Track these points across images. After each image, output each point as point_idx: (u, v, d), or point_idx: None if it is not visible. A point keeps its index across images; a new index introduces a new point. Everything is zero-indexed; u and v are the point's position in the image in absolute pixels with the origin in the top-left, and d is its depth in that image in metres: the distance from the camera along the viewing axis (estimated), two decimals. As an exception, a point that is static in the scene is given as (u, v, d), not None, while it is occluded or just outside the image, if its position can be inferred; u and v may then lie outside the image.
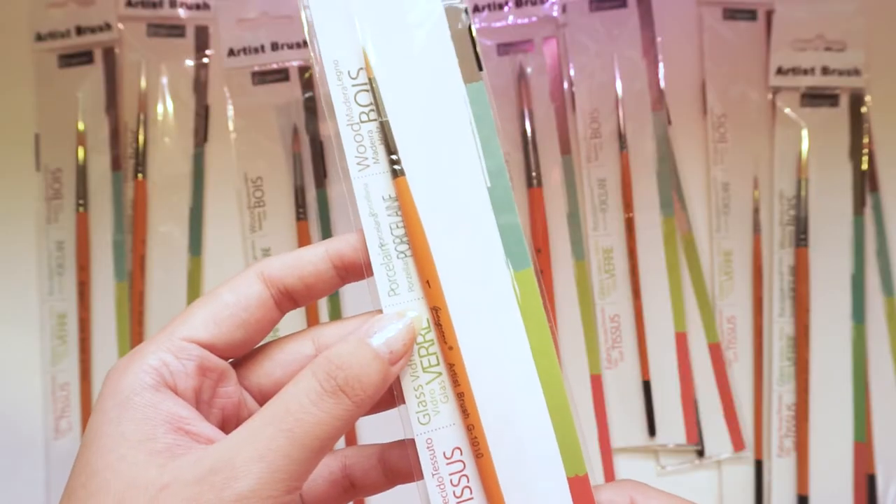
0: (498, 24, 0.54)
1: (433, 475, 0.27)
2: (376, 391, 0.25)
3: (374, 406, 0.27)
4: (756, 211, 0.54)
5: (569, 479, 0.28)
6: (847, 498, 0.52)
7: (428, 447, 0.28)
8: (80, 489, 0.24)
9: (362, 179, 0.28)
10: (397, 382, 0.27)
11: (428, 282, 0.28)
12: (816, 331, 0.53)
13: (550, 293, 0.52)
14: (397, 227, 0.28)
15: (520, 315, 0.28)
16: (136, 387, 0.24)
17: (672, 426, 0.52)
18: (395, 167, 0.28)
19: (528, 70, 0.54)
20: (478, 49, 0.29)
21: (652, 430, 0.52)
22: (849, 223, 0.54)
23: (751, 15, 0.55)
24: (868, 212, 0.54)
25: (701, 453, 0.53)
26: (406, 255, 0.28)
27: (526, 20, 0.54)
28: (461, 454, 0.28)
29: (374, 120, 0.28)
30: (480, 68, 0.29)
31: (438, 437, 0.28)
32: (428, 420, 0.28)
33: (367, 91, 0.28)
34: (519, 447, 0.28)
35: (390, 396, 0.28)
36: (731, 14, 0.55)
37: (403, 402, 0.27)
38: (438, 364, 0.28)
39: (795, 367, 0.53)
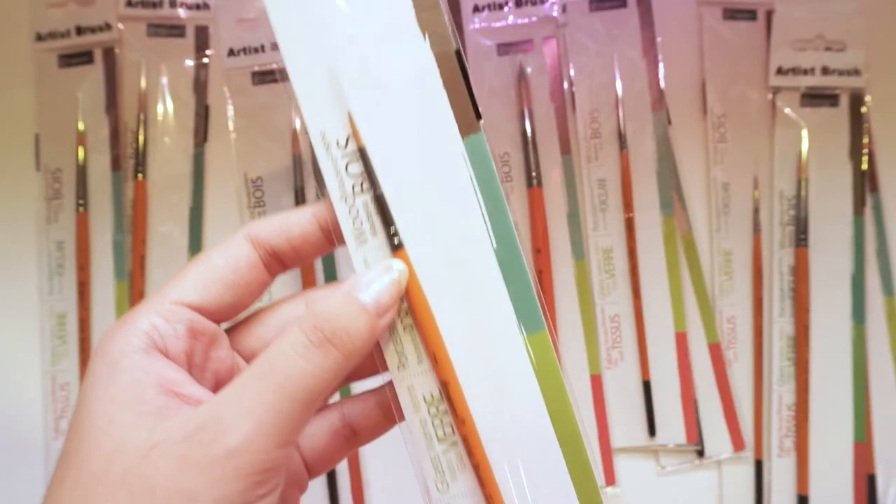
0: (498, 24, 0.54)
1: None
2: (364, 343, 0.25)
3: (375, 430, 0.29)
4: (756, 211, 0.54)
5: None
6: (847, 498, 0.52)
7: None
8: (72, 452, 0.24)
9: (361, 254, 0.27)
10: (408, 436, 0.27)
11: (435, 356, 0.26)
12: (816, 331, 0.53)
13: (550, 293, 0.52)
14: (401, 300, 0.27)
15: (535, 380, 0.27)
16: (126, 350, 0.24)
17: (672, 426, 0.52)
18: (394, 240, 0.27)
19: (528, 70, 0.54)
20: (475, 96, 0.27)
21: (652, 430, 0.52)
22: (849, 223, 0.54)
23: (751, 15, 0.55)
24: (868, 212, 0.54)
25: (701, 453, 0.53)
26: (413, 328, 0.27)
27: (526, 20, 0.54)
28: None
29: (368, 191, 0.27)
30: (479, 117, 0.27)
31: None
32: (446, 488, 0.27)
33: (357, 161, 0.27)
34: None
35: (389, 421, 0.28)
36: (731, 14, 0.55)
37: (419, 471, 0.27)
38: (454, 433, 0.27)
39: (795, 367, 0.53)
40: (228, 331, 0.28)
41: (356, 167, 0.27)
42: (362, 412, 0.29)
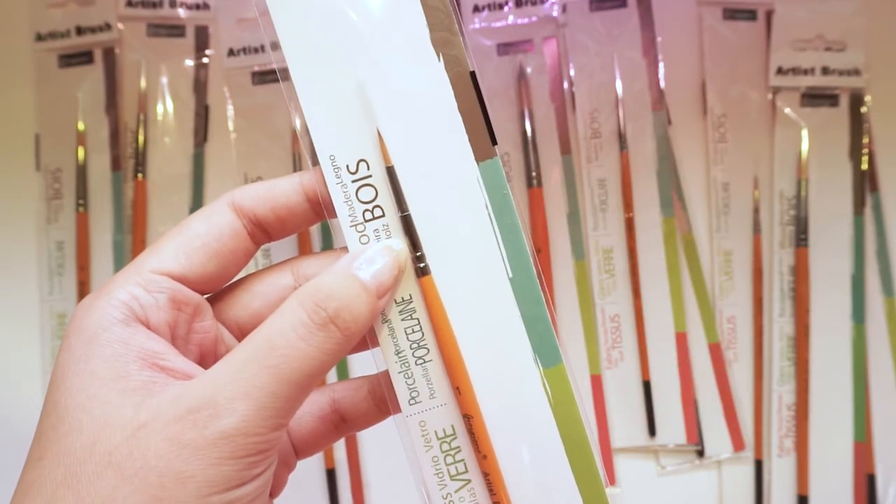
0: (498, 24, 0.54)
1: None
2: (365, 324, 0.24)
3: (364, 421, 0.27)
4: (756, 211, 0.54)
5: None
6: (847, 498, 0.52)
7: None
8: (49, 431, 0.23)
9: None
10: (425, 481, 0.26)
11: (458, 388, 0.25)
12: (816, 331, 0.52)
13: (550, 293, 0.52)
14: (413, 331, 0.25)
15: (552, 416, 0.26)
16: (104, 322, 0.23)
17: (672, 426, 0.52)
18: (420, 265, 0.25)
19: (528, 70, 0.54)
20: (489, 119, 0.25)
21: (652, 430, 0.52)
22: (849, 223, 0.54)
23: (751, 15, 0.55)
24: (868, 212, 0.54)
25: (701, 453, 0.53)
26: (425, 361, 0.26)
27: (526, 20, 0.54)
28: None
29: (379, 218, 0.25)
30: (494, 142, 0.25)
31: None
32: None
33: (368, 186, 0.25)
34: None
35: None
36: (731, 14, 0.55)
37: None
38: (467, 472, 0.26)
39: (795, 367, 0.53)
40: (211, 300, 0.27)
41: (367, 193, 0.25)
42: (353, 400, 0.28)
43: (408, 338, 0.26)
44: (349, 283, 0.24)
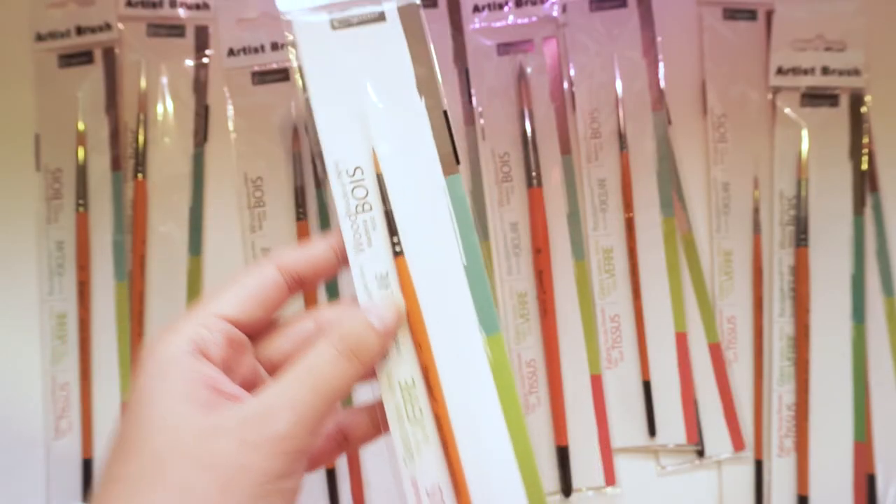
0: (498, 24, 0.54)
1: None
2: (378, 356, 0.32)
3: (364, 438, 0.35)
4: (756, 211, 0.54)
5: None
6: (847, 498, 0.52)
7: (412, 485, 0.33)
8: (131, 435, 0.28)
9: (359, 262, 0.33)
10: (385, 423, 0.33)
11: (419, 345, 0.32)
12: (816, 331, 0.53)
13: (550, 293, 0.52)
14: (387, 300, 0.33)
15: (490, 371, 0.33)
16: (176, 353, 0.29)
17: (672, 426, 0.52)
18: (396, 248, 0.33)
19: (528, 70, 0.54)
20: (455, 145, 0.34)
21: (652, 430, 0.52)
22: (849, 223, 0.54)
23: (751, 15, 0.55)
24: (868, 212, 0.54)
25: (701, 453, 0.53)
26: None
27: (526, 20, 0.54)
28: (441, 494, 0.32)
29: (367, 211, 0.33)
30: (458, 162, 0.34)
31: (421, 475, 0.33)
32: (411, 459, 0.33)
33: (360, 186, 0.33)
34: (490, 486, 0.32)
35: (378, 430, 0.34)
36: (731, 14, 0.55)
37: (387, 430, 0.33)
38: (422, 414, 0.33)
39: (795, 367, 0.53)
40: (251, 340, 0.33)
41: (360, 192, 0.33)
42: (354, 422, 0.35)
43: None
44: (367, 329, 0.32)
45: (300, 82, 0.35)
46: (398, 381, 0.33)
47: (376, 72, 0.34)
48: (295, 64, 0.35)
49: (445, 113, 0.34)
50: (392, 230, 0.33)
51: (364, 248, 0.33)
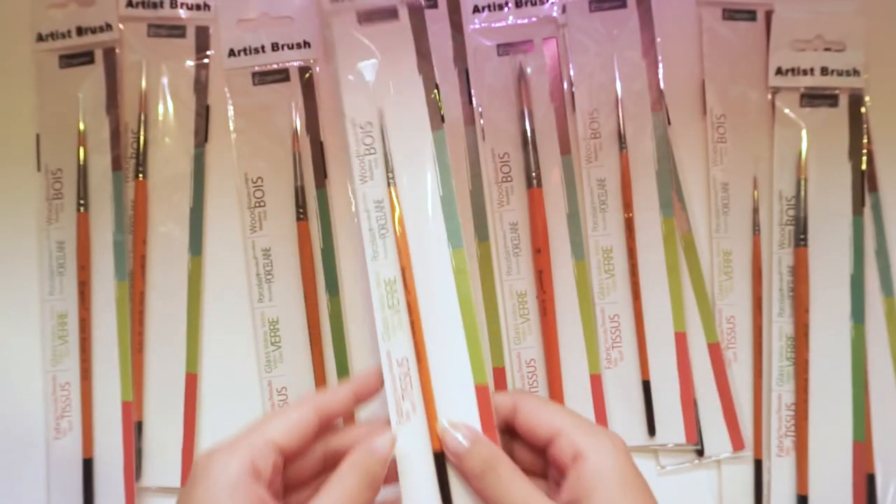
0: (498, 25, 0.55)
1: (388, 374, 0.43)
2: (382, 477, 0.39)
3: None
4: (755, 211, 0.54)
5: (476, 386, 0.43)
6: (846, 497, 0.52)
7: (387, 356, 0.43)
8: None
9: (362, 189, 0.45)
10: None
11: (401, 250, 0.44)
12: (816, 331, 0.53)
13: (550, 293, 0.52)
14: (378, 221, 0.45)
15: (452, 276, 0.44)
16: (239, 474, 0.35)
17: (672, 426, 0.52)
18: (390, 177, 0.45)
19: (528, 70, 0.54)
20: (441, 110, 0.46)
21: (651, 430, 0.52)
22: (848, 223, 0.54)
23: (750, 15, 0.56)
24: (867, 212, 0.54)
25: (700, 453, 0.53)
26: (384, 237, 0.45)
27: (526, 20, 0.54)
28: (408, 364, 0.43)
29: (371, 154, 0.46)
30: (442, 121, 0.46)
31: (394, 349, 0.43)
32: (388, 337, 0.43)
33: (369, 136, 0.46)
34: (446, 359, 0.43)
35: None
36: (731, 14, 0.55)
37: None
38: (398, 304, 0.44)
39: (795, 367, 0.53)
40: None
41: (368, 140, 0.46)
42: (336, 401, 0.42)
43: (377, 223, 0.45)
44: (374, 459, 0.39)
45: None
46: (384, 279, 0.44)
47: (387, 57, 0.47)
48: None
49: (437, 87, 0.46)
50: (387, 166, 0.45)
51: (367, 180, 0.45)
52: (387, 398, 0.42)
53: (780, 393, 0.53)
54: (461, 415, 0.42)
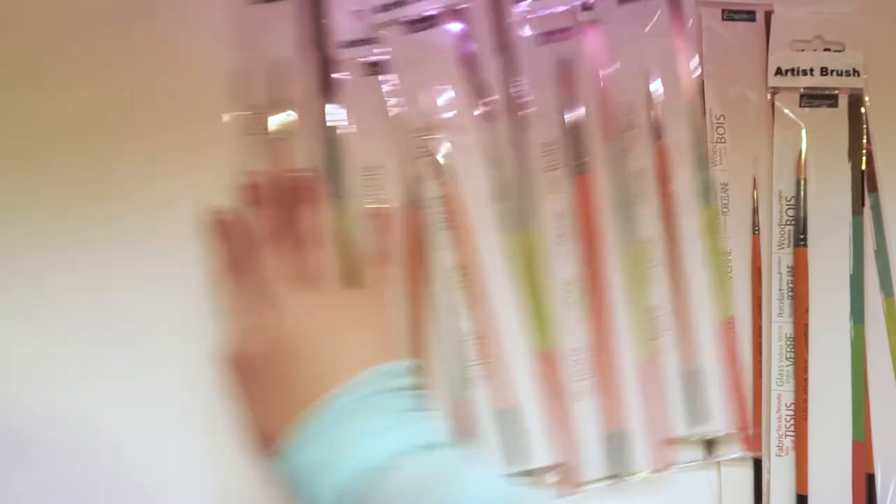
0: (538, 14, 0.53)
1: None
2: None
3: None
4: (755, 211, 0.54)
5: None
6: (846, 497, 0.52)
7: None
8: None
9: None
10: None
11: (459, 242, 0.50)
12: (815, 331, 0.53)
13: (600, 281, 0.52)
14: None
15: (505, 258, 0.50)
16: None
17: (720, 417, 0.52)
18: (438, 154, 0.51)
19: (569, 59, 0.53)
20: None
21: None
22: (847, 223, 0.54)
23: (750, 15, 0.55)
24: (867, 212, 0.54)
25: (759, 461, 0.53)
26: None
27: (567, 7, 0.53)
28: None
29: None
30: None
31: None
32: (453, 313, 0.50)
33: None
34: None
35: None
36: (730, 15, 0.55)
37: None
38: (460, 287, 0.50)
39: (794, 367, 0.53)
40: None
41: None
42: None
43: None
44: None
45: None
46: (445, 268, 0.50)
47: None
48: None
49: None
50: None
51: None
52: None
53: (780, 393, 0.53)
54: None
